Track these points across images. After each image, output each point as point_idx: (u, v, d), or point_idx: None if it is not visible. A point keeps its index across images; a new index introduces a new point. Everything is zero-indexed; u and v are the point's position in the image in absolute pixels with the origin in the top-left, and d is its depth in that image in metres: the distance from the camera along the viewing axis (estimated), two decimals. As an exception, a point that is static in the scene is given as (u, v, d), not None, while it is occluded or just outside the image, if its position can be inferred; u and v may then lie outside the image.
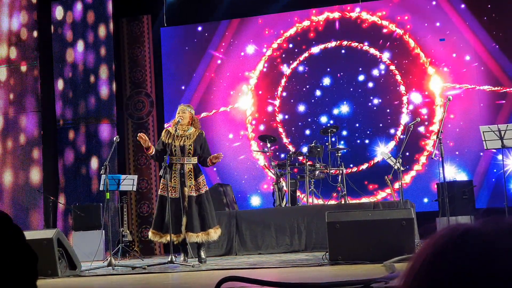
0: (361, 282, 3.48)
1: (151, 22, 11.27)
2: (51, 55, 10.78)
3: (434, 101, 10.15)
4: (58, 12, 10.82)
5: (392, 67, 10.37)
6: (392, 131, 10.29)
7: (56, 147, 10.76)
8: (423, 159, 10.11)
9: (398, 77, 10.33)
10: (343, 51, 10.61)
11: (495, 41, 9.93)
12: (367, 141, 10.37)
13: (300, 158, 9.20)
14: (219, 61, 11.10)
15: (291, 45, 10.83)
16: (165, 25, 11.13)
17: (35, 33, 10.56)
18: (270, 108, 10.85)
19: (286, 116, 10.77)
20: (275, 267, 5.89)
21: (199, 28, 11.28)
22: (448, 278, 0.76)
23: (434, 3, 10.28)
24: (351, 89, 10.53)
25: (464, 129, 9.95)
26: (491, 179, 9.74)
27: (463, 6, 10.12)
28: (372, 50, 10.47)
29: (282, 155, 10.26)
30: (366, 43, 10.49)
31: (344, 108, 10.53)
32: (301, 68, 10.77)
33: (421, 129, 10.05)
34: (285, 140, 10.68)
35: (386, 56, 10.41)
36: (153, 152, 6.72)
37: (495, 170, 9.70)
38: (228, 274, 3.98)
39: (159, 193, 6.74)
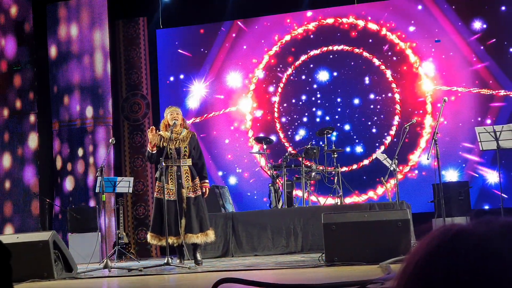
0: (358, 283, 3.49)
1: (147, 24, 11.26)
2: (47, 56, 10.76)
3: (425, 103, 10.22)
4: (54, 13, 10.80)
5: (383, 67, 10.41)
6: (386, 132, 10.33)
7: (52, 149, 10.75)
8: (420, 160, 10.14)
9: (391, 79, 10.38)
10: (337, 55, 10.65)
11: (483, 44, 10.02)
12: (362, 142, 10.41)
13: (301, 159, 9.18)
14: (217, 63, 11.10)
15: (288, 50, 10.86)
16: (161, 27, 11.13)
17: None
18: (269, 111, 10.86)
19: (284, 119, 10.79)
20: (271, 269, 5.89)
21: (195, 30, 11.28)
22: (441, 279, 0.76)
23: (420, 7, 10.36)
24: (346, 92, 10.58)
25: (453, 131, 10.02)
26: (479, 180, 9.81)
27: (452, 10, 10.21)
28: (365, 54, 10.52)
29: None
30: (359, 47, 10.54)
31: (340, 110, 10.57)
32: (298, 72, 10.79)
33: (414, 130, 10.10)
34: (284, 140, 10.69)
35: (379, 59, 10.46)
36: (155, 151, 6.66)
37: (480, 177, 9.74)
38: (224, 275, 3.98)
39: (155, 196, 6.72)
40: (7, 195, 10.18)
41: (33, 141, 10.45)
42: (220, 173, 10.85)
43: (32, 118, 10.47)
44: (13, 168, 10.37)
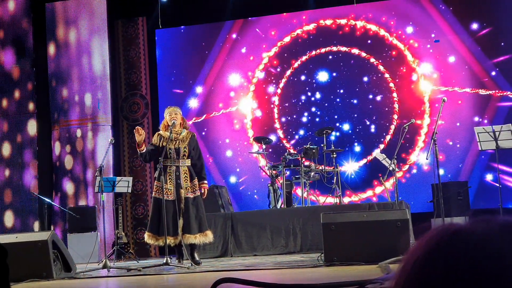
0: (357, 283, 3.49)
1: (146, 24, 11.26)
2: (46, 55, 10.76)
3: (423, 103, 10.24)
4: (52, 14, 10.80)
5: (381, 67, 10.42)
6: (385, 132, 10.35)
7: (51, 148, 10.74)
8: (419, 159, 10.15)
9: (389, 79, 10.40)
10: (336, 56, 10.66)
11: (480, 45, 10.05)
12: (361, 142, 10.42)
13: (300, 159, 9.18)
14: (217, 63, 11.09)
15: (288, 50, 10.86)
16: (160, 27, 11.13)
17: (30, 35, 10.55)
18: (269, 111, 10.86)
19: (284, 119, 10.80)
20: (270, 269, 5.89)
21: (195, 30, 11.28)
22: (440, 278, 0.76)
23: (418, 8, 10.38)
24: (345, 92, 10.59)
25: (451, 131, 10.04)
26: (478, 180, 9.83)
27: (449, 11, 10.23)
28: (364, 54, 10.53)
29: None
30: (357, 48, 10.55)
31: (339, 110, 10.58)
32: (297, 72, 10.80)
33: (413, 130, 10.12)
34: (283, 140, 10.70)
35: (378, 59, 10.47)
36: (144, 151, 6.68)
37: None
38: (224, 275, 3.98)
39: (154, 195, 6.72)
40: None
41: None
42: (219, 173, 10.85)
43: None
44: (12, 172, 10.38)
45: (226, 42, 11.08)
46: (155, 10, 11.05)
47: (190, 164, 6.77)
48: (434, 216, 8.29)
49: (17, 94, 10.51)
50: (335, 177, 9.12)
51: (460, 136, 10.01)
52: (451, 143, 10.06)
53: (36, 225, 10.27)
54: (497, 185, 7.62)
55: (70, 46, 10.69)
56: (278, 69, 10.89)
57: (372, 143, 10.37)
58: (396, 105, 10.36)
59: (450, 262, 0.76)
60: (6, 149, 10.46)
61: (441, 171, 8.81)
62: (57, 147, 10.67)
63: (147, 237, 6.70)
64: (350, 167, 10.27)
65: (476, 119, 9.96)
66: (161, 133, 6.81)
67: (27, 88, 10.53)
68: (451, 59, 10.22)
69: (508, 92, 9.88)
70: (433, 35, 10.33)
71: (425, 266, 0.78)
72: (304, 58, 10.79)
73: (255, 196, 10.63)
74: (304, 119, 10.72)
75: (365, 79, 10.53)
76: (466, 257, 0.76)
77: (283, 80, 10.85)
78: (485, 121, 9.81)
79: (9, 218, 10.27)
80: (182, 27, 11.33)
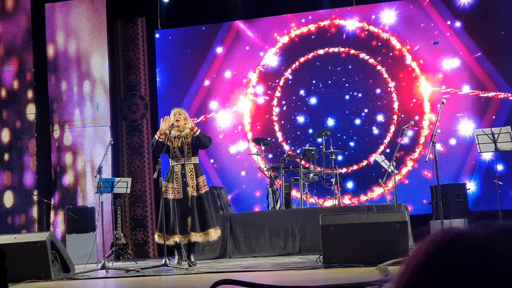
0: (356, 285, 3.49)
1: (146, 25, 11.25)
2: (45, 55, 10.76)
3: (423, 105, 10.24)
4: (52, 14, 10.80)
5: (379, 67, 10.43)
6: (384, 134, 10.34)
7: (50, 148, 10.74)
8: (418, 161, 10.15)
9: (388, 81, 10.40)
10: (335, 57, 10.66)
11: (481, 47, 10.05)
12: (361, 144, 10.42)
13: (299, 161, 9.18)
14: (215, 64, 11.09)
15: (287, 51, 10.86)
16: (160, 27, 11.13)
17: (29, 35, 10.55)
18: (268, 112, 10.86)
19: (282, 120, 10.79)
20: (269, 270, 5.89)
21: (194, 31, 11.28)
22: (440, 282, 0.76)
23: (418, 9, 10.38)
24: (345, 94, 10.59)
25: (450, 132, 10.05)
26: (477, 182, 9.84)
27: (450, 12, 10.24)
28: (363, 55, 10.53)
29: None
30: (357, 49, 10.56)
31: (339, 111, 10.58)
32: (297, 73, 10.80)
33: (410, 133, 10.13)
34: (282, 143, 10.69)
35: (377, 61, 10.48)
36: (161, 140, 6.75)
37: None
38: (222, 277, 3.97)
39: (163, 196, 6.77)
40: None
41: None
42: (218, 174, 10.84)
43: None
44: (12, 172, 10.38)
45: (225, 43, 11.08)
46: (154, 11, 11.04)
47: (196, 162, 6.83)
48: (433, 218, 8.30)
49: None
50: (334, 179, 9.12)
51: (460, 138, 10.02)
52: (450, 144, 10.06)
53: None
54: (496, 187, 7.62)
55: (69, 47, 10.68)
56: (278, 70, 10.88)
57: (372, 145, 10.36)
58: (395, 107, 10.36)
59: (450, 266, 0.76)
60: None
61: (440, 173, 8.81)
62: (55, 147, 10.66)
63: (157, 237, 6.76)
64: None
65: (477, 121, 9.94)
66: (166, 131, 6.88)
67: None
68: (451, 60, 10.21)
69: (508, 94, 9.89)
70: (433, 37, 10.33)
71: (424, 270, 0.78)
72: (303, 59, 10.79)
73: (253, 198, 10.61)
74: (303, 120, 10.71)
75: (365, 80, 10.52)
76: (465, 261, 0.76)
77: (282, 81, 10.85)
78: (485, 123, 9.80)
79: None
80: (182, 28, 11.33)
